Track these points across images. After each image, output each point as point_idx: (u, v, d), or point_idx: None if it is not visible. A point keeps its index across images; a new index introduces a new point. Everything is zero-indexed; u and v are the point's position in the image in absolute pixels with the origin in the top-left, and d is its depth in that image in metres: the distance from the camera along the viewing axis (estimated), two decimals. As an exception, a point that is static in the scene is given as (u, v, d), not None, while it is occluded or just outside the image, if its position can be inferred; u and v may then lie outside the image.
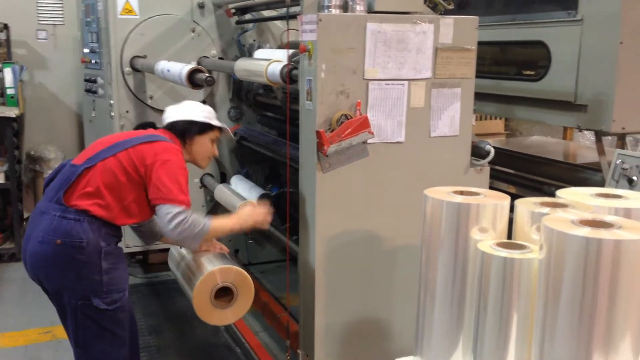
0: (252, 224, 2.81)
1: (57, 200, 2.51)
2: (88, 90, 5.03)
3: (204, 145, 2.84)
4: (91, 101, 5.03)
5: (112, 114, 4.48)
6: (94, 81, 4.90)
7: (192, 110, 2.85)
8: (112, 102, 4.47)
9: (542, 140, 5.80)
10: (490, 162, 3.04)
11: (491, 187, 3.03)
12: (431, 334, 1.94)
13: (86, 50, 4.98)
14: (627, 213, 1.78)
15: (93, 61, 4.87)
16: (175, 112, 2.85)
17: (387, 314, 2.93)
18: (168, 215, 2.49)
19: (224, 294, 2.82)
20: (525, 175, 4.20)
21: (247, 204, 2.85)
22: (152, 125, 2.94)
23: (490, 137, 6.09)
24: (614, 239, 1.45)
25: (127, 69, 4.39)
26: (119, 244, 2.68)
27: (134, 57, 4.38)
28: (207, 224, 2.61)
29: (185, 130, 2.78)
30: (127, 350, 2.72)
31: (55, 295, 2.60)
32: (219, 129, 2.92)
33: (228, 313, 2.83)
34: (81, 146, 5.74)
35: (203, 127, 2.82)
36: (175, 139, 2.76)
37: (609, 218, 1.61)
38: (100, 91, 4.80)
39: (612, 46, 3.13)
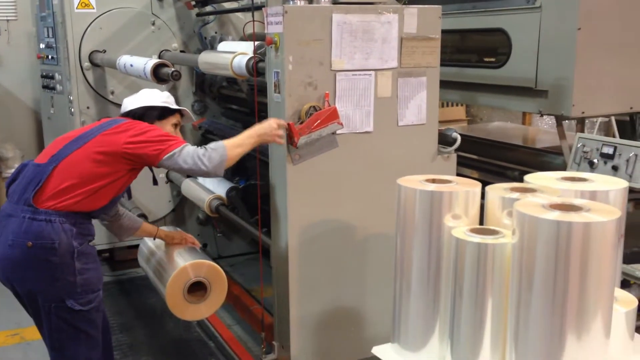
0: (264, 137, 2.61)
1: (25, 202, 2.44)
2: (45, 87, 4.92)
3: (166, 130, 2.74)
4: (49, 98, 4.91)
5: (72, 110, 4.39)
6: (52, 77, 4.78)
7: (150, 96, 2.79)
8: (71, 98, 4.38)
9: (503, 125, 5.91)
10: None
11: (456, 173, 3.09)
12: (407, 321, 1.97)
13: (42, 46, 4.86)
14: (593, 195, 1.84)
15: (50, 57, 4.75)
16: (132, 101, 2.79)
17: (361, 303, 2.96)
18: (181, 157, 2.48)
19: (196, 289, 2.81)
20: (488, 160, 4.28)
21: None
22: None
23: (452, 124, 6.18)
24: (583, 221, 1.50)
25: (86, 64, 4.30)
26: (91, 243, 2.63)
27: (92, 52, 4.29)
28: (220, 144, 2.54)
29: (144, 116, 2.71)
30: (100, 350, 2.68)
31: (28, 298, 2.53)
32: (180, 113, 2.85)
33: (202, 308, 2.82)
34: (40, 144, 5.60)
35: (162, 112, 2.76)
36: None
37: (577, 201, 1.67)
38: (59, 87, 4.70)
39: (570, 32, 3.20)
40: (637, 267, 2.94)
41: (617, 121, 5.50)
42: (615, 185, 1.89)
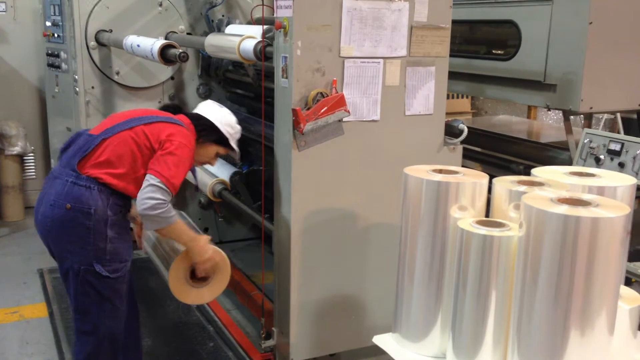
0: (196, 253, 2.70)
1: (71, 167, 2.58)
2: (51, 65, 4.89)
3: (208, 151, 2.84)
4: (54, 76, 4.89)
5: (77, 89, 4.36)
6: (57, 55, 4.76)
7: (223, 119, 2.83)
8: (76, 77, 4.35)
9: (507, 119, 5.89)
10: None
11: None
12: (410, 311, 1.96)
13: (48, 23, 4.82)
14: (601, 191, 1.82)
15: (56, 35, 4.72)
16: (210, 109, 2.85)
17: (362, 291, 2.96)
18: (152, 189, 2.49)
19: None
20: (492, 153, 4.26)
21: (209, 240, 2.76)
22: (177, 107, 2.92)
23: (457, 116, 6.16)
24: (591, 216, 1.49)
25: (92, 43, 4.27)
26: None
27: (99, 31, 4.26)
28: (175, 218, 2.58)
29: (204, 130, 2.78)
30: (123, 323, 2.74)
31: (60, 259, 2.63)
32: (231, 148, 2.88)
33: (204, 292, 2.82)
34: (44, 122, 5.58)
35: (220, 139, 2.82)
36: (192, 129, 2.75)
37: (586, 196, 1.65)
38: (64, 66, 4.67)
39: (581, 26, 3.18)
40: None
41: (623, 118, 5.48)
42: (623, 182, 1.87)
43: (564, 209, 1.53)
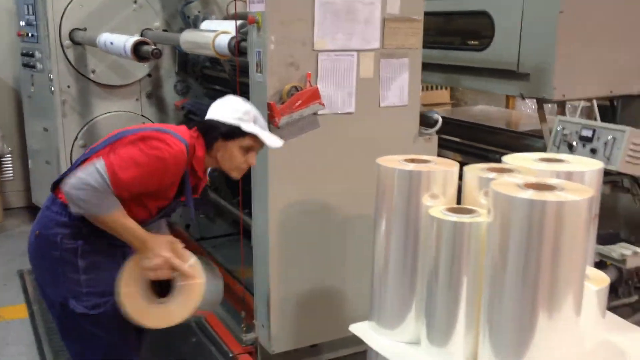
0: (148, 250, 2.12)
1: (51, 188, 2.25)
2: (26, 65, 4.86)
3: (230, 152, 2.23)
4: (29, 76, 4.86)
5: (53, 89, 4.34)
6: (32, 55, 4.72)
7: (226, 107, 2.25)
8: (51, 76, 4.33)
9: (486, 109, 5.94)
10: (437, 131, 3.10)
11: (439, 156, 3.09)
12: (385, 299, 1.99)
13: (22, 23, 4.79)
14: (569, 176, 1.86)
15: (30, 34, 4.69)
16: (212, 107, 2.30)
17: (342, 283, 2.98)
18: (88, 171, 2.02)
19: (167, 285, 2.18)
20: (471, 143, 4.30)
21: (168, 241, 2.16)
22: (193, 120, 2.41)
23: (437, 107, 6.18)
24: (556, 200, 1.52)
25: (67, 42, 4.25)
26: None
27: (73, 30, 4.24)
28: (106, 211, 2.05)
29: (208, 133, 2.22)
30: (130, 356, 2.36)
31: (40, 292, 2.36)
32: (251, 135, 2.23)
33: (172, 308, 2.16)
34: (20, 123, 5.53)
35: (230, 132, 2.20)
36: (200, 140, 2.23)
37: (552, 181, 1.69)
38: (39, 65, 4.64)
39: (552, 15, 3.21)
40: (614, 248, 2.98)
41: (599, 105, 5.55)
42: (590, 167, 1.91)
43: (529, 194, 1.56)
